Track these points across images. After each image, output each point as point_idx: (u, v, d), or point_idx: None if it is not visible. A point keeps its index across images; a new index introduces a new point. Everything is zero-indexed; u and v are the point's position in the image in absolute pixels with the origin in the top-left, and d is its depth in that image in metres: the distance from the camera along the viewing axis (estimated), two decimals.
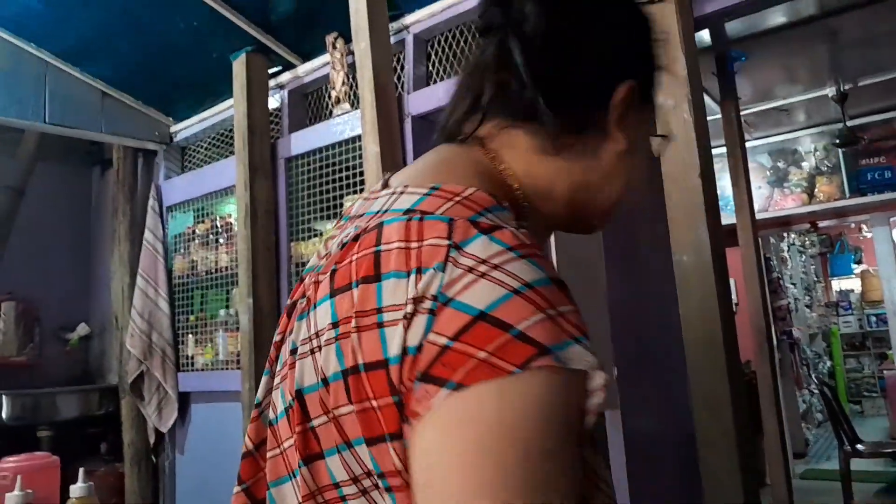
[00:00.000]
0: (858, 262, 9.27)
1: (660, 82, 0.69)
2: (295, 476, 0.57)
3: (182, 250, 2.98)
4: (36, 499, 1.58)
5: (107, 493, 2.81)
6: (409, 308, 0.48)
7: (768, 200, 5.54)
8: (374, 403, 0.49)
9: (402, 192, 0.58)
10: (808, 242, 8.99)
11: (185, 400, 2.85)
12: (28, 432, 2.89)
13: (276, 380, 0.64)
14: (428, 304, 0.48)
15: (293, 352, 0.60)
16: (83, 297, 3.44)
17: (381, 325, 0.50)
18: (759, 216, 4.11)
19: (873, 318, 8.92)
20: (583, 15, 0.63)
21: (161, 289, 2.93)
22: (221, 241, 2.78)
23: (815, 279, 9.09)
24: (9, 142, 3.26)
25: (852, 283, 9.42)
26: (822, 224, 6.11)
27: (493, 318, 0.46)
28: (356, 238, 0.56)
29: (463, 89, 0.67)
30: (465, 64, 0.70)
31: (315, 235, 2.53)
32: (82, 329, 3.30)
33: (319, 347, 0.55)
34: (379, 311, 0.50)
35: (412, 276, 0.49)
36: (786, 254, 7.60)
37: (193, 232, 2.93)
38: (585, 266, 2.96)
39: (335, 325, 0.53)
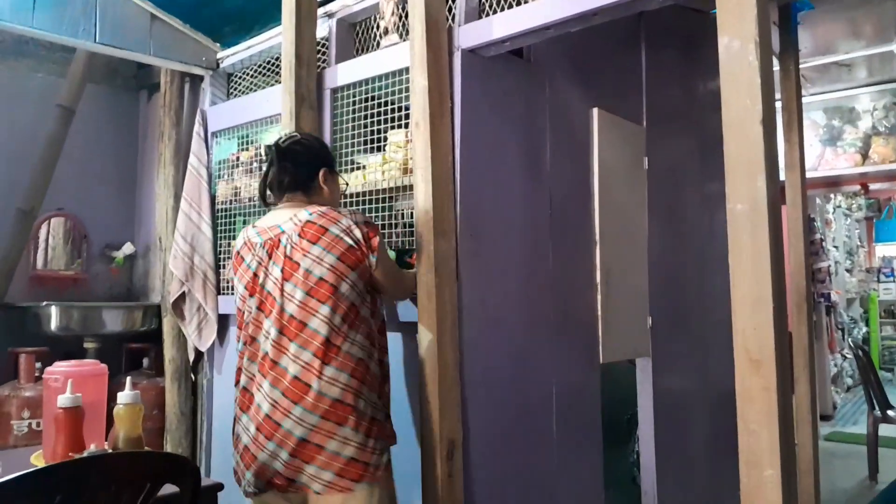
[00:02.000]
0: None
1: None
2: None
3: (225, 176, 3.01)
4: (84, 403, 1.65)
5: (148, 405, 2.93)
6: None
7: (819, 159, 5.37)
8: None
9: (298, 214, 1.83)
10: (854, 206, 8.74)
11: (224, 321, 2.93)
12: (75, 343, 3.01)
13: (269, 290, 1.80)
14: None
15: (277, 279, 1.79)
16: (129, 217, 3.51)
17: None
18: (808, 175, 3.99)
19: None
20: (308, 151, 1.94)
21: (204, 213, 2.97)
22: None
23: (859, 244, 8.87)
24: (59, 61, 3.29)
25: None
26: (873, 187, 5.91)
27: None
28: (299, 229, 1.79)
29: (277, 177, 1.89)
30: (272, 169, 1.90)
31: (358, 168, 2.53)
32: (127, 248, 3.38)
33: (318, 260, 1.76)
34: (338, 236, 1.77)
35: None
36: (831, 216, 7.41)
37: (237, 159, 2.95)
38: (628, 218, 2.93)
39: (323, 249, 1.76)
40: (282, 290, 1.75)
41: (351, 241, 1.78)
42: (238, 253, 1.89)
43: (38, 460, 1.72)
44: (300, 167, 1.90)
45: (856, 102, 5.20)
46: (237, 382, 1.84)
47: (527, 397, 2.41)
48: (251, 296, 1.82)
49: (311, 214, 1.79)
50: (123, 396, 1.65)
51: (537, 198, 2.50)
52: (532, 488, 2.40)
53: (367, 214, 2.43)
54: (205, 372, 3.05)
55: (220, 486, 1.65)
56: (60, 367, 1.73)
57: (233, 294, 2.87)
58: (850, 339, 6.80)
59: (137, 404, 1.67)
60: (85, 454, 1.57)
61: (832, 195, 7.28)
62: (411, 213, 2.37)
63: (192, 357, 3.04)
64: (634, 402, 3.03)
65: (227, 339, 2.96)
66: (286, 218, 1.82)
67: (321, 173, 1.92)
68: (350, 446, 1.69)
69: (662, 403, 2.98)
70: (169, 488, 1.32)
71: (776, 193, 1.42)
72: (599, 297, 2.67)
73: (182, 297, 2.96)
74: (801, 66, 3.81)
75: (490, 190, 2.31)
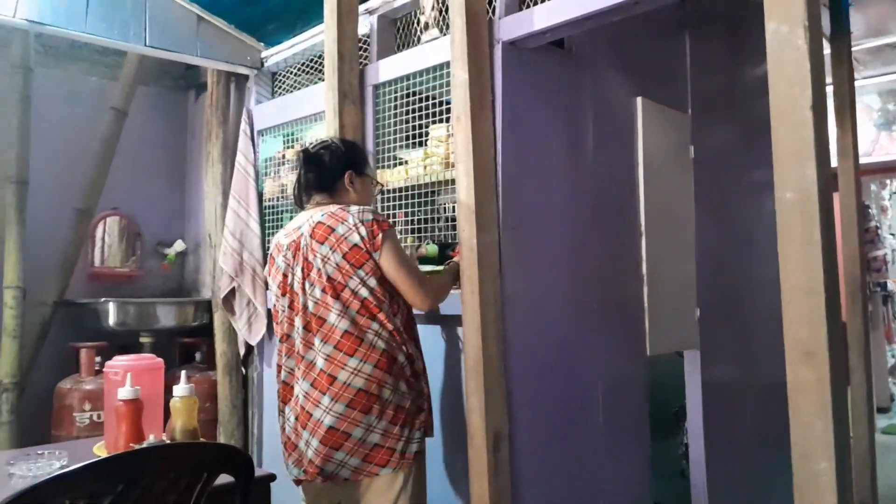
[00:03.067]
0: None
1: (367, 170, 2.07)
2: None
3: (272, 174, 3.06)
4: (142, 395, 1.72)
5: (201, 398, 2.99)
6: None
7: (873, 144, 5.19)
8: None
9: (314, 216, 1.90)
10: None
11: (272, 316, 2.99)
12: (131, 338, 3.11)
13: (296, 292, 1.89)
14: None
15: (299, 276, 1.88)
16: (179, 215, 3.61)
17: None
18: (862, 160, 3.87)
19: None
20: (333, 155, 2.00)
21: (252, 210, 3.04)
22: None
23: None
24: (112, 65, 3.39)
25: None
26: None
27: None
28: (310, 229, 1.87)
29: (304, 181, 2.00)
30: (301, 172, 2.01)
31: (400, 163, 2.55)
32: (179, 245, 3.48)
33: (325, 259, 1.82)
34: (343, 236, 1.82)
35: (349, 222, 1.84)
36: (886, 202, 7.15)
37: (283, 156, 3.01)
38: (674, 207, 2.89)
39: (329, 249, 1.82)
40: (303, 289, 1.85)
41: (356, 240, 1.81)
42: (271, 255, 1.99)
43: (100, 451, 1.80)
44: (324, 171, 1.98)
45: None
46: (279, 376, 1.94)
47: (572, 389, 2.40)
48: (283, 295, 1.91)
49: (322, 215, 1.86)
50: (179, 389, 1.71)
51: (581, 189, 2.48)
52: (578, 480, 2.40)
53: (412, 209, 2.47)
54: (255, 365, 3.13)
55: (272, 477, 1.69)
56: (120, 360, 1.80)
57: None
58: None
59: (192, 397, 1.72)
60: (144, 444, 1.63)
61: (888, 181, 7.03)
62: (453, 208, 2.38)
63: (242, 351, 3.11)
64: (682, 395, 2.99)
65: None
66: (306, 220, 1.90)
67: (347, 176, 1.98)
68: (375, 433, 1.76)
69: (711, 395, 2.94)
70: (223, 478, 1.36)
71: (827, 181, 1.39)
72: (646, 288, 2.65)
73: (232, 292, 3.03)
74: (853, 49, 3.70)
75: (532, 182, 2.31)
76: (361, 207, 1.89)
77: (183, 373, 1.81)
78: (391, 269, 1.84)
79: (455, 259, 2.17)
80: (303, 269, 1.85)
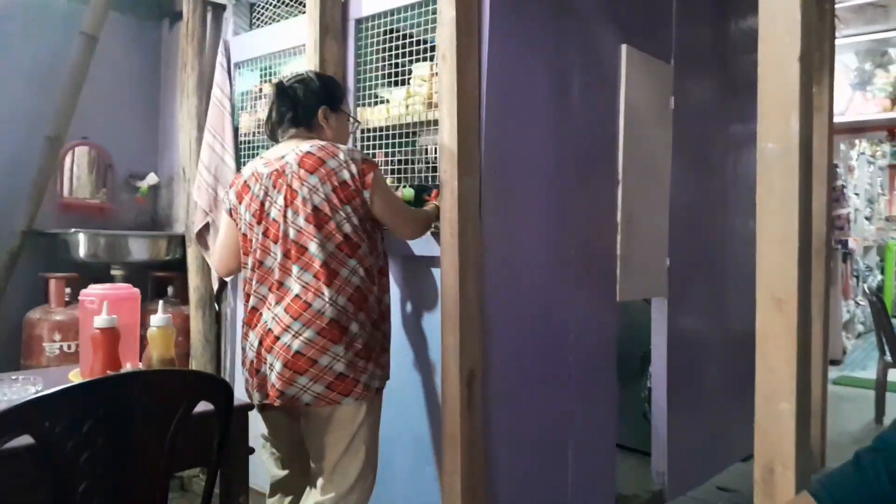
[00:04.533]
0: None
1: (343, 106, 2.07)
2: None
3: (249, 108, 3.00)
4: (119, 325, 1.71)
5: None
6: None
7: (847, 103, 5.26)
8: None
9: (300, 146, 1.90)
10: (879, 153, 8.59)
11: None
12: (102, 270, 3.07)
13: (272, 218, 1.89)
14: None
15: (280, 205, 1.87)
16: (152, 148, 3.53)
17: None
18: (836, 119, 3.93)
19: None
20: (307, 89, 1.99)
21: (227, 144, 2.98)
22: None
23: (880, 191, 8.76)
24: None
25: None
26: None
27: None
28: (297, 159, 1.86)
29: (278, 115, 2.01)
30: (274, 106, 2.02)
31: (381, 102, 2.51)
32: (151, 178, 3.41)
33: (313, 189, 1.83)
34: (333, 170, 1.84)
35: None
36: (853, 162, 7.29)
37: (260, 91, 2.94)
38: (652, 158, 2.91)
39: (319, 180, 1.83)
40: (284, 216, 1.84)
41: (346, 176, 1.84)
42: (245, 183, 1.96)
43: (76, 378, 1.79)
44: (298, 105, 1.98)
45: (890, 46, 5.05)
46: (246, 304, 1.94)
47: (546, 333, 2.46)
48: (258, 223, 1.90)
49: (311, 147, 1.87)
50: (157, 319, 1.71)
51: (563, 136, 2.48)
52: (549, 420, 2.47)
53: (392, 150, 2.45)
54: (228, 300, 3.12)
55: (251, 406, 1.72)
56: (95, 289, 1.78)
57: None
58: (864, 286, 6.79)
59: (169, 327, 1.73)
60: (121, 373, 1.64)
61: (857, 141, 7.15)
62: (434, 149, 2.37)
63: (216, 286, 3.10)
64: (648, 341, 3.08)
65: None
66: (290, 150, 1.90)
67: (321, 111, 1.99)
68: (340, 362, 1.78)
69: (676, 342, 3.03)
70: (201, 407, 1.37)
71: (810, 134, 1.41)
72: (619, 236, 2.69)
73: (206, 227, 3.01)
74: (835, 6, 3.71)
75: (516, 127, 2.30)
76: (349, 147, 1.93)
77: (161, 303, 1.81)
78: (382, 206, 1.90)
79: (433, 203, 2.18)
80: (285, 197, 1.84)
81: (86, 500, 1.18)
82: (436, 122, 2.22)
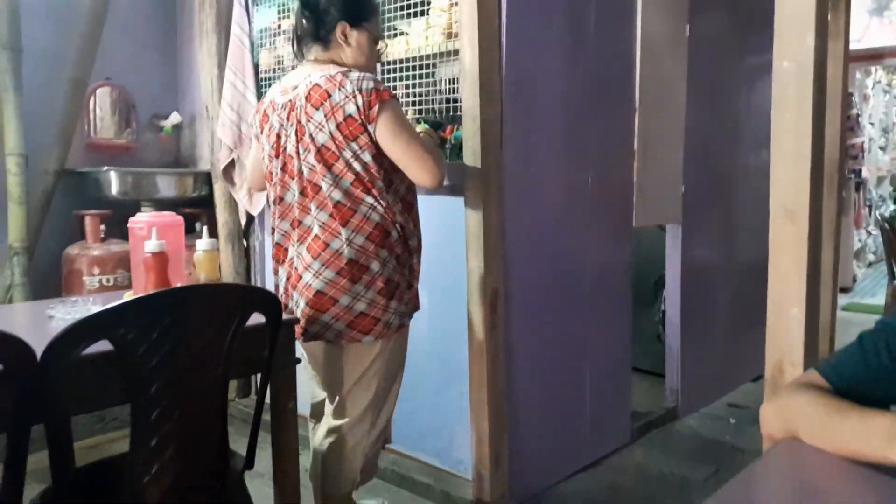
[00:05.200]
0: None
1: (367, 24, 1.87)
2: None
3: (268, 45, 3.04)
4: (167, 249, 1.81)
5: None
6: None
7: (864, 31, 5.19)
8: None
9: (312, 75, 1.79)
10: (895, 81, 8.47)
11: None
12: (132, 208, 3.16)
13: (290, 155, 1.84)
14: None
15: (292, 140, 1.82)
16: (173, 87, 3.58)
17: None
18: (852, 46, 3.90)
19: None
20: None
21: (248, 82, 3.04)
22: None
23: (895, 122, 8.67)
24: None
25: None
26: None
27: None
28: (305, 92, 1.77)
29: (297, 28, 1.88)
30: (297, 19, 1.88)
31: (401, 34, 2.55)
32: (175, 118, 3.47)
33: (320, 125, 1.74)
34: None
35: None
36: (869, 91, 7.23)
37: (279, 27, 2.98)
38: (667, 86, 2.94)
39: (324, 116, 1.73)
40: (297, 153, 1.79)
41: (351, 110, 1.71)
42: (265, 112, 1.90)
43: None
44: (317, 18, 1.83)
45: None
46: (273, 238, 1.94)
47: (564, 257, 2.56)
48: (276, 157, 1.86)
49: (321, 77, 1.75)
50: (202, 243, 1.81)
51: (581, 63, 2.53)
52: (567, 341, 2.60)
53: (412, 82, 2.50)
54: (256, 234, 3.23)
55: (297, 320, 1.81)
56: (143, 217, 1.88)
57: None
58: (877, 214, 6.82)
59: (214, 250, 1.83)
60: None
61: (873, 69, 7.06)
62: (452, 80, 2.42)
63: (243, 221, 3.20)
64: (662, 266, 3.18)
65: None
66: (303, 78, 1.80)
67: (339, 27, 1.83)
68: (361, 301, 1.77)
69: (690, 267, 3.13)
70: (254, 322, 1.48)
71: (824, 52, 1.47)
72: (636, 164, 2.75)
73: (232, 163, 3.09)
74: None
75: (535, 55, 2.35)
76: (362, 74, 1.74)
77: (204, 228, 1.91)
78: (388, 143, 1.74)
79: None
80: (296, 133, 1.78)
81: (157, 399, 1.31)
82: (455, 53, 2.27)
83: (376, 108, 1.71)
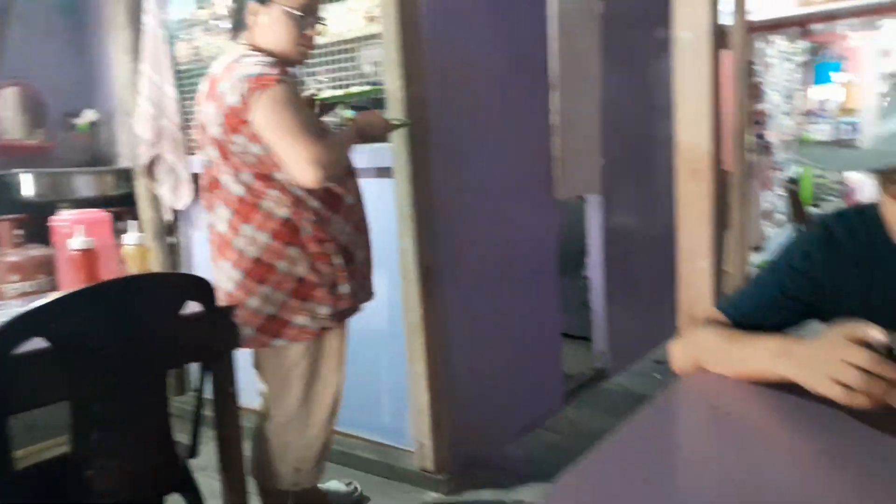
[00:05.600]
0: (842, 71, 9.27)
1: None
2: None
3: (185, 37, 2.99)
4: (95, 247, 1.79)
5: None
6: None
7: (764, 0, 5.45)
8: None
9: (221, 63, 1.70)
10: (796, 50, 8.90)
11: (197, 180, 3.02)
12: (50, 210, 3.06)
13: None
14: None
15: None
16: (86, 83, 3.47)
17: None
18: (753, 16, 4.10)
19: (846, 127, 9.12)
20: None
21: (165, 75, 2.98)
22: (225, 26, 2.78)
23: (798, 87, 9.14)
24: None
25: (831, 92, 9.49)
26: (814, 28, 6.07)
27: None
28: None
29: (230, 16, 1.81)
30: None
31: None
32: (89, 114, 3.37)
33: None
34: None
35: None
36: (771, 59, 7.59)
37: (197, 17, 2.93)
38: (583, 62, 3.06)
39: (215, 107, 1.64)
40: (205, 146, 1.74)
41: (233, 101, 1.61)
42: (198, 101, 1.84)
43: None
44: (237, 0, 1.74)
45: None
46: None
47: (492, 232, 2.64)
48: (203, 148, 1.79)
49: (222, 66, 1.67)
50: (130, 238, 1.81)
51: (499, 41, 2.60)
52: (498, 311, 2.69)
53: (334, 66, 2.51)
54: (182, 231, 3.19)
55: (233, 308, 1.82)
56: (65, 215, 1.85)
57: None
58: (779, 175, 7.21)
59: (143, 244, 1.83)
60: None
61: (774, 39, 7.42)
62: (373, 64, 2.45)
63: (169, 217, 3.15)
64: (584, 236, 3.31)
65: None
66: (215, 66, 1.73)
67: (248, 6, 1.70)
68: (270, 305, 1.69)
69: (611, 235, 3.28)
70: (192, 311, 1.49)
71: (716, 24, 1.58)
72: (556, 138, 2.86)
73: (154, 159, 3.03)
74: None
75: (456, 35, 2.41)
76: (257, 60, 1.62)
77: (132, 222, 1.90)
78: (262, 134, 1.61)
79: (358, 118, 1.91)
80: (201, 125, 1.74)
81: (97, 392, 1.32)
82: (377, 36, 2.30)
83: (255, 95, 1.58)
